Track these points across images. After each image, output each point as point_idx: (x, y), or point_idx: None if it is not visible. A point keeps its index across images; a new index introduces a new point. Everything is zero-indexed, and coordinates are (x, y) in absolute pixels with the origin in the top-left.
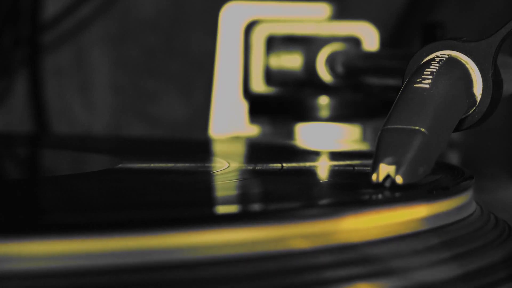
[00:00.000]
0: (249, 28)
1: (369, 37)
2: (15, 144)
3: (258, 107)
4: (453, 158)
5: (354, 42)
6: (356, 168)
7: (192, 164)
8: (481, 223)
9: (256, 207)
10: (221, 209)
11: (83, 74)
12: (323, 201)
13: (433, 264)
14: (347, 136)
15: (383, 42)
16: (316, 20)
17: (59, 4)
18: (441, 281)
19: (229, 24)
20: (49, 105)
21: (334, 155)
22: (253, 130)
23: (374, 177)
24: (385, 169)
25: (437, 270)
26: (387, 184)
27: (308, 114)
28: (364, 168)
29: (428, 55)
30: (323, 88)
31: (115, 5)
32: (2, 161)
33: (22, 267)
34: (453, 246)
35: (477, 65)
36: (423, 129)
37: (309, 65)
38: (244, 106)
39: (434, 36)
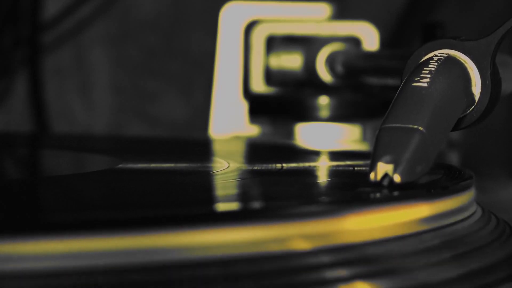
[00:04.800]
0: (249, 28)
1: (369, 37)
2: (15, 144)
3: (258, 107)
4: (453, 158)
5: (354, 42)
6: (356, 168)
7: (192, 164)
8: (482, 223)
9: (256, 206)
10: (221, 208)
11: (83, 74)
12: (323, 201)
13: (433, 264)
14: (347, 136)
15: (383, 42)
16: (316, 20)
17: (59, 4)
18: (441, 281)
19: (229, 24)
20: (49, 105)
21: (334, 155)
22: (253, 130)
23: (372, 176)
24: (383, 168)
25: (438, 270)
26: (385, 183)
27: (308, 114)
28: (364, 168)
29: (426, 54)
30: (323, 88)
31: (115, 5)
32: (2, 161)
33: (22, 267)
34: (453, 246)
35: (475, 64)
36: (421, 128)
37: (309, 65)
38: (244, 106)
39: (434, 36)
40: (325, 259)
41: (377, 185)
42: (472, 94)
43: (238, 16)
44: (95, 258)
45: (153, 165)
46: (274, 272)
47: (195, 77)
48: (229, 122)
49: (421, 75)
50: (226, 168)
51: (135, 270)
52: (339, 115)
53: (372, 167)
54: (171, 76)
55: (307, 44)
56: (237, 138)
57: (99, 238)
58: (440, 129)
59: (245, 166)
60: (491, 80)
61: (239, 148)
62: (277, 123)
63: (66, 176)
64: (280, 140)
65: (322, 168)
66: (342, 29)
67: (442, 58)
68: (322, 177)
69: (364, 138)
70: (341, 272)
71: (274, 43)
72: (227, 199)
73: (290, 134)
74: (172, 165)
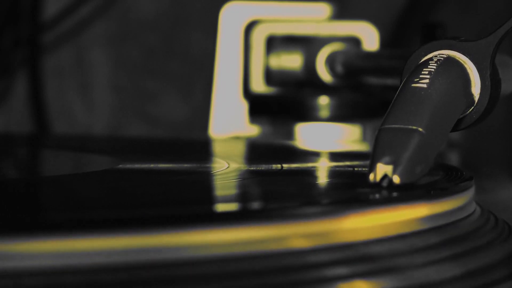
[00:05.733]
0: (249, 28)
1: (369, 37)
2: (15, 144)
3: (258, 107)
4: (453, 158)
5: (354, 42)
6: (355, 168)
7: (192, 164)
8: (481, 222)
9: (255, 206)
10: (221, 208)
11: (83, 74)
12: (322, 201)
13: (432, 263)
14: (347, 136)
15: (383, 42)
16: (316, 20)
17: (59, 4)
18: (440, 280)
19: (229, 24)
20: (49, 105)
21: (334, 156)
22: (253, 130)
23: (371, 176)
24: (382, 169)
25: (437, 269)
26: (385, 183)
27: (308, 114)
28: (364, 168)
29: (426, 54)
30: (323, 88)
31: (115, 5)
32: (2, 161)
33: (22, 266)
34: (452, 245)
35: (475, 64)
36: (420, 129)
37: (309, 65)
38: (244, 106)
39: (434, 36)
40: (325, 258)
41: (377, 186)
42: (471, 95)
43: (238, 16)
44: (95, 258)
45: (153, 165)
46: (274, 271)
47: (195, 77)
48: (229, 122)
49: (421, 76)
50: (226, 168)
51: (134, 269)
52: (339, 115)
53: (372, 168)
54: (171, 76)
55: (307, 44)
56: (237, 138)
57: (98, 238)
58: (439, 130)
59: (245, 166)
60: (491, 80)
61: (239, 148)
62: (277, 123)
63: (66, 176)
64: (280, 140)
65: (322, 169)
66: (342, 29)
67: (442, 58)
68: (322, 178)
69: (364, 138)
70: (341, 271)
71: (274, 43)
72: (227, 199)
73: (290, 134)
74: (172, 165)
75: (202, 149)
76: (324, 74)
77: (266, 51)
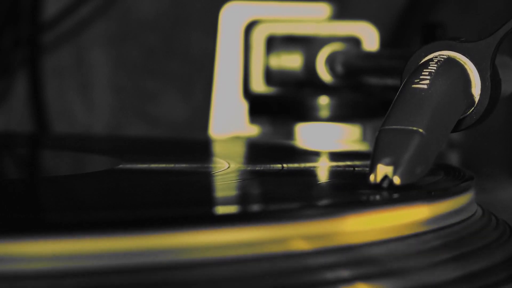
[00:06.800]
0: (249, 28)
1: (369, 37)
2: (15, 144)
3: (258, 107)
4: (453, 158)
5: (354, 42)
6: (356, 168)
7: (192, 164)
8: (482, 224)
9: (256, 207)
10: (221, 210)
11: (83, 74)
12: (323, 202)
13: (433, 265)
14: (347, 136)
15: (383, 42)
16: (316, 20)
17: (59, 4)
18: (441, 282)
19: (229, 24)
20: (49, 105)
21: (334, 156)
22: (253, 130)
23: (372, 177)
24: (382, 170)
25: (438, 271)
26: (385, 184)
27: (308, 114)
28: (364, 168)
29: (426, 55)
30: (323, 88)
31: (115, 5)
32: (2, 161)
33: (21, 267)
34: (453, 247)
35: (475, 65)
36: (421, 130)
37: (309, 65)
38: (244, 106)
39: (434, 36)
40: (325, 260)
41: (377, 187)
42: (472, 96)
43: (238, 16)
44: (95, 259)
45: (153, 165)
46: (274, 273)
47: (195, 77)
48: (229, 122)
49: (421, 77)
50: (226, 169)
51: (134, 270)
52: (339, 115)
53: (372, 169)
54: (171, 76)
55: (307, 44)
56: (237, 138)
57: (98, 238)
58: (439, 131)
59: (245, 167)
60: (491, 81)
61: (239, 148)
62: (277, 123)
63: (66, 176)
64: (280, 140)
65: (322, 169)
66: (342, 29)
67: (442, 59)
68: (322, 178)
69: (364, 138)
70: (342, 273)
71: (274, 43)
72: (227, 200)
73: (290, 134)
74: (172, 165)
75: (202, 149)
76: (324, 74)
77: (266, 51)
